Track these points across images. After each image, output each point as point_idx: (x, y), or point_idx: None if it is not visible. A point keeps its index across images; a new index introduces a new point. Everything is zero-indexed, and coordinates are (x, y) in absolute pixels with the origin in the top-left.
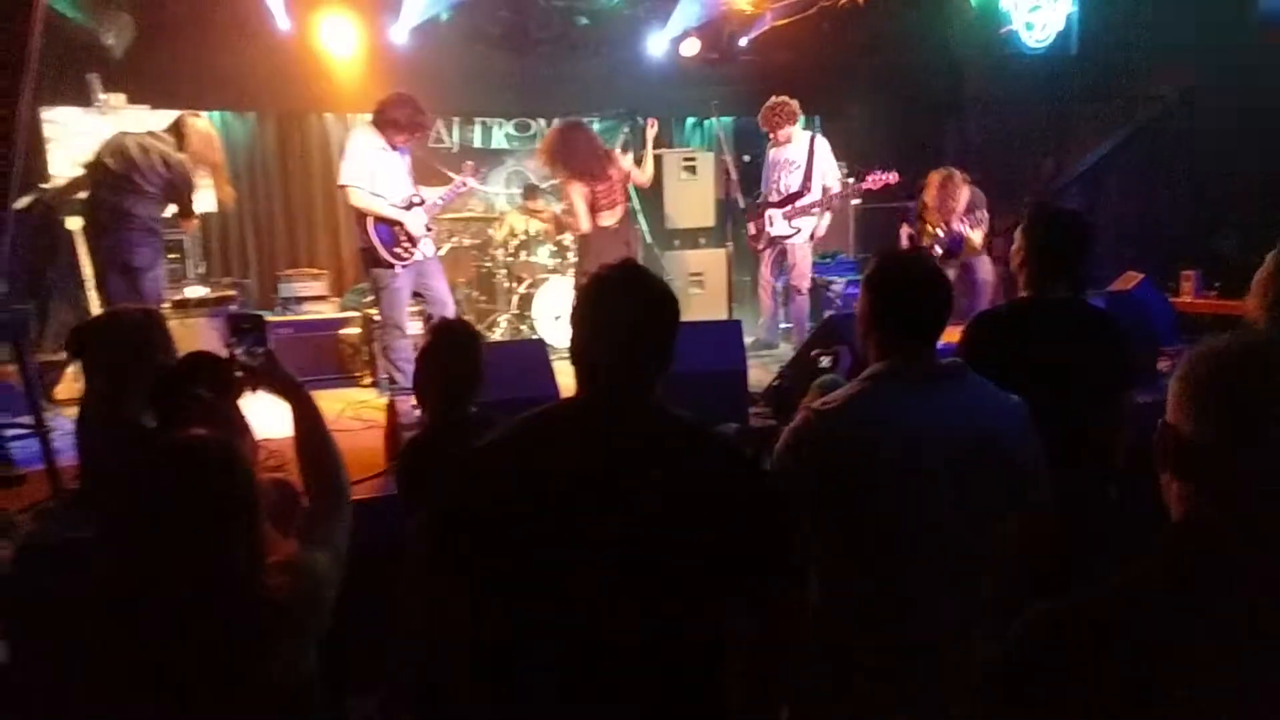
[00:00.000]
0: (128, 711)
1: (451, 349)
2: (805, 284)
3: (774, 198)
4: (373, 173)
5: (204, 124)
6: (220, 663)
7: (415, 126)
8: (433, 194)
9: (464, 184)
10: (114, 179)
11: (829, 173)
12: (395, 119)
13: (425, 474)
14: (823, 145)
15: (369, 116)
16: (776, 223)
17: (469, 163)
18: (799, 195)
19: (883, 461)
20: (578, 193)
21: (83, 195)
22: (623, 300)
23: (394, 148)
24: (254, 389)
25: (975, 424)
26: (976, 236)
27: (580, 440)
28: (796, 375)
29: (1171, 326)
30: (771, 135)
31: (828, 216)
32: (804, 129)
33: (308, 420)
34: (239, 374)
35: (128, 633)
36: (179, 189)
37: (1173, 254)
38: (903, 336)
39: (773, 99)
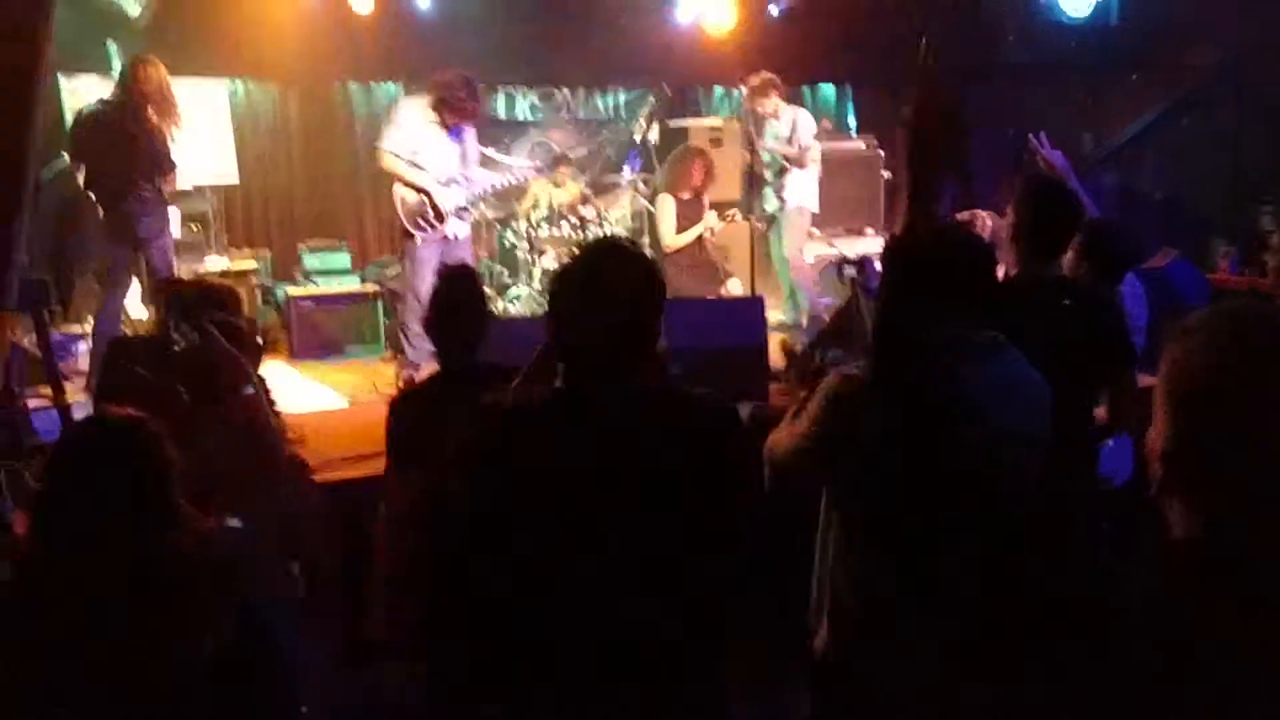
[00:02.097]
0: (57, 677)
1: (451, 292)
2: (795, 254)
3: (766, 174)
4: (415, 144)
5: (156, 66)
6: (133, 630)
7: (459, 110)
8: (486, 178)
9: (517, 178)
10: (99, 154)
11: (808, 147)
12: (444, 97)
13: (416, 423)
14: (804, 118)
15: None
16: (770, 200)
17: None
18: (783, 170)
19: (919, 430)
20: None
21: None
22: (600, 282)
23: (446, 126)
24: (191, 366)
25: (1013, 398)
26: None
27: (566, 433)
28: (816, 346)
29: (1207, 304)
30: (761, 111)
31: (813, 190)
32: (790, 103)
33: (242, 397)
34: (177, 350)
35: (47, 601)
36: (151, 144)
37: (1211, 229)
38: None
39: (752, 77)
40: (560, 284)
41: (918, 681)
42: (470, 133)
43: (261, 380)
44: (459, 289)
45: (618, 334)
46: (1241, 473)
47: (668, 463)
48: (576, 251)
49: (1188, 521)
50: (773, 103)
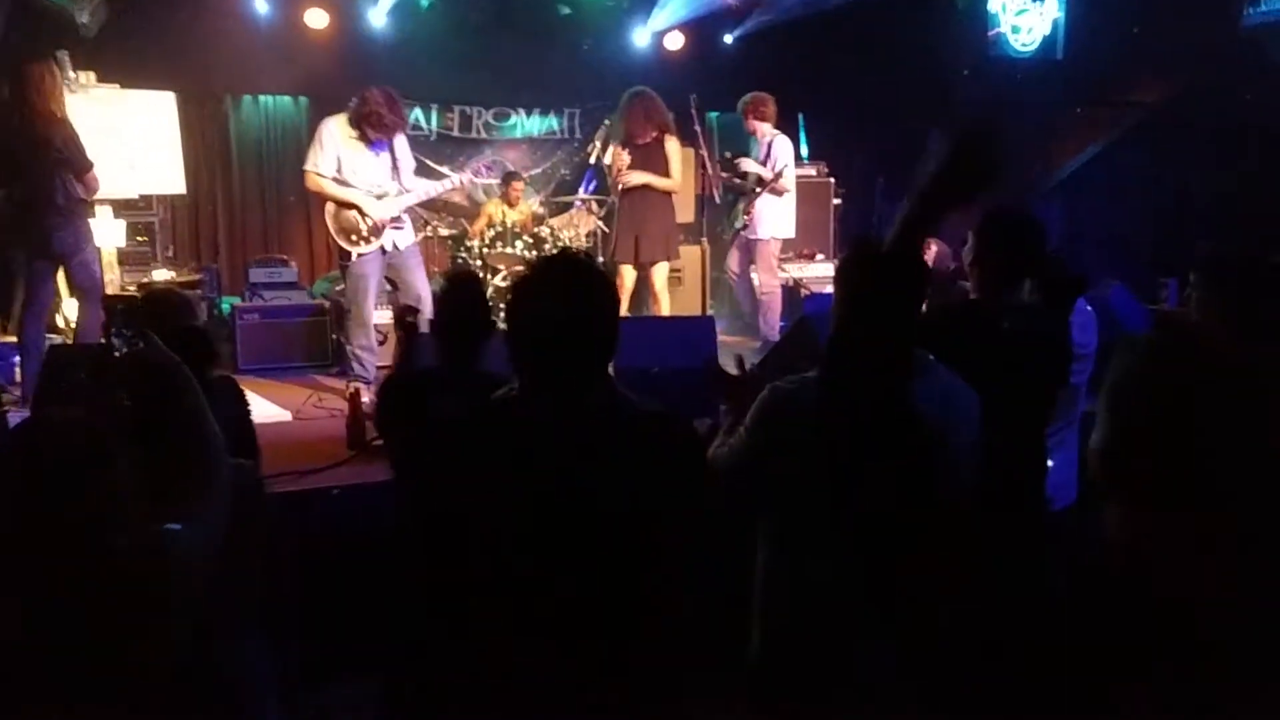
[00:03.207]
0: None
1: (458, 294)
2: (768, 284)
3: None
4: (339, 160)
5: (46, 63)
6: (80, 635)
7: (379, 125)
8: (425, 186)
9: (457, 183)
10: (4, 164)
11: (784, 173)
12: (363, 113)
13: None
14: (781, 144)
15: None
16: (738, 218)
17: (481, 165)
18: (754, 193)
19: (841, 446)
20: None
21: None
22: (556, 296)
23: (367, 141)
24: (131, 372)
25: (941, 415)
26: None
27: (514, 442)
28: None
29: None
30: (746, 128)
31: (789, 217)
32: (773, 128)
33: (184, 401)
34: (116, 356)
35: None
36: (64, 143)
37: (1152, 261)
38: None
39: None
40: (515, 296)
41: (856, 687)
42: (400, 142)
43: (233, 383)
44: (463, 293)
45: (571, 346)
46: (1167, 474)
47: (620, 474)
48: (531, 266)
49: (1121, 522)
50: (752, 122)
